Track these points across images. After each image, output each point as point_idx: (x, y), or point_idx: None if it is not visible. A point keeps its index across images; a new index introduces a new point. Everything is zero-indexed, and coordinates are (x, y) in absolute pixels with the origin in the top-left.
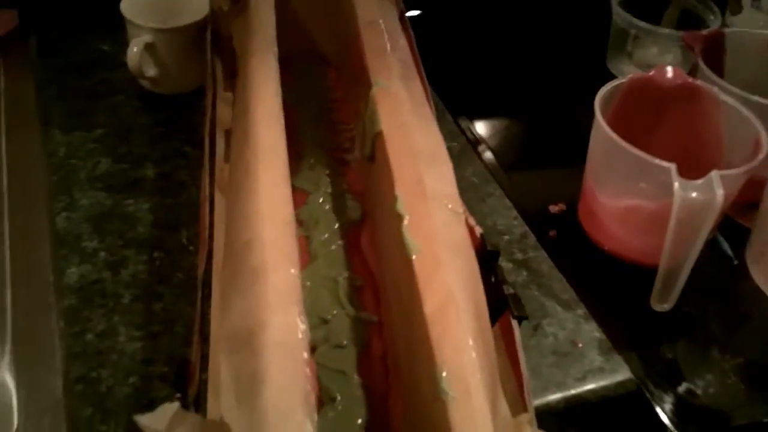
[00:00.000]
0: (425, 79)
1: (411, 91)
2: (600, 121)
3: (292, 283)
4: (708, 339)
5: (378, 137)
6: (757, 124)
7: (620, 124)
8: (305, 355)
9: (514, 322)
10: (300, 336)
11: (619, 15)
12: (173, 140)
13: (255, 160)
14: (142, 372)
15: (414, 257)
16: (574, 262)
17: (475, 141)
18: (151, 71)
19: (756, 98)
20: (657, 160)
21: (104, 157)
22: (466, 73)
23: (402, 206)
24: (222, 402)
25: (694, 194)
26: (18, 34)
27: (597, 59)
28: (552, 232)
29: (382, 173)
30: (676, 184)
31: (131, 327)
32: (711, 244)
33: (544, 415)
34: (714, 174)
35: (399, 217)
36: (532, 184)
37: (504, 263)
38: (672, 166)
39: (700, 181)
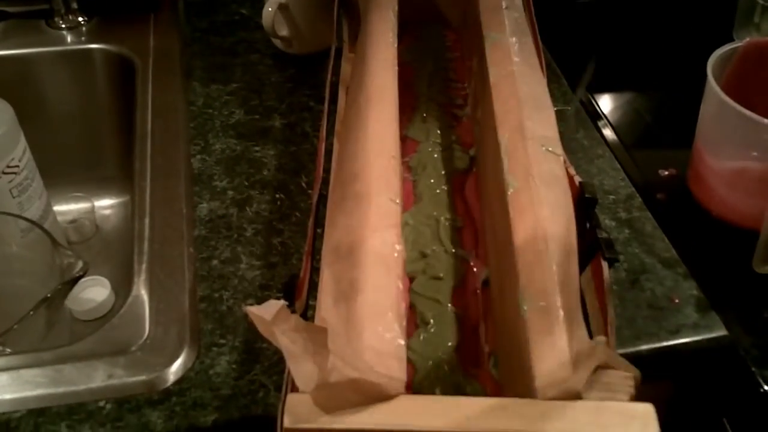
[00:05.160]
0: (538, 35)
1: (521, 45)
2: (711, 81)
3: (392, 209)
4: None
5: (486, 87)
6: None
7: (734, 89)
8: (399, 270)
9: (605, 264)
10: (396, 254)
11: None
12: (299, 95)
13: (366, 102)
14: (259, 295)
15: (509, 192)
16: (680, 224)
17: (590, 106)
18: (283, 31)
19: None
20: (766, 121)
21: (237, 108)
22: (590, 44)
23: (504, 149)
24: (319, 303)
25: None
26: None
27: (724, 31)
28: (660, 195)
29: (488, 120)
30: None
31: (252, 257)
32: None
33: (633, 362)
34: None
35: (500, 159)
36: (646, 150)
37: (607, 221)
38: None
39: None
